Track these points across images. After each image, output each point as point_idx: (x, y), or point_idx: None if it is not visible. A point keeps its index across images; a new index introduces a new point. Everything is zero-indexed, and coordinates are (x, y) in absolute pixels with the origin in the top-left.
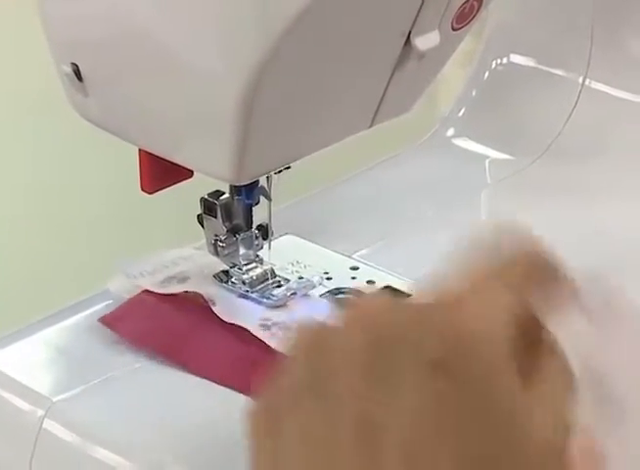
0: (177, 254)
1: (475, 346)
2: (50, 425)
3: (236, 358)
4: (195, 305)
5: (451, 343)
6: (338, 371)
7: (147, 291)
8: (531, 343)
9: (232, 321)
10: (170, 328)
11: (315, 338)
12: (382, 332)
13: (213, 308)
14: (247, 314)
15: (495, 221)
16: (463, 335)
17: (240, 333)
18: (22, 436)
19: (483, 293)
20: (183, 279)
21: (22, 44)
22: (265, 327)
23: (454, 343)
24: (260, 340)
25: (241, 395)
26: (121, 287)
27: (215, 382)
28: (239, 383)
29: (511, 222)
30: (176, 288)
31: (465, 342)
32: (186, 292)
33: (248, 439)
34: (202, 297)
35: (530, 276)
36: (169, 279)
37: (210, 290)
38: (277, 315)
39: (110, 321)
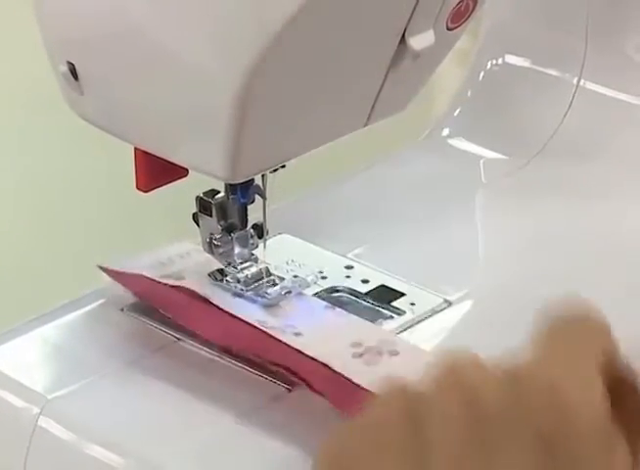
0: (175, 250)
1: (578, 425)
2: (45, 422)
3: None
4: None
5: (555, 421)
6: (436, 442)
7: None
8: (629, 424)
9: (231, 312)
10: (169, 294)
11: (409, 401)
12: (482, 405)
13: (211, 300)
14: (242, 314)
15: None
16: (566, 414)
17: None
18: (17, 433)
19: (577, 373)
20: (179, 278)
21: (18, 43)
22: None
23: (558, 421)
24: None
25: (237, 397)
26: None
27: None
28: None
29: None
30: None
31: (568, 421)
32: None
33: None
34: (196, 293)
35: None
36: (166, 277)
37: (206, 289)
38: (272, 319)
39: (110, 271)
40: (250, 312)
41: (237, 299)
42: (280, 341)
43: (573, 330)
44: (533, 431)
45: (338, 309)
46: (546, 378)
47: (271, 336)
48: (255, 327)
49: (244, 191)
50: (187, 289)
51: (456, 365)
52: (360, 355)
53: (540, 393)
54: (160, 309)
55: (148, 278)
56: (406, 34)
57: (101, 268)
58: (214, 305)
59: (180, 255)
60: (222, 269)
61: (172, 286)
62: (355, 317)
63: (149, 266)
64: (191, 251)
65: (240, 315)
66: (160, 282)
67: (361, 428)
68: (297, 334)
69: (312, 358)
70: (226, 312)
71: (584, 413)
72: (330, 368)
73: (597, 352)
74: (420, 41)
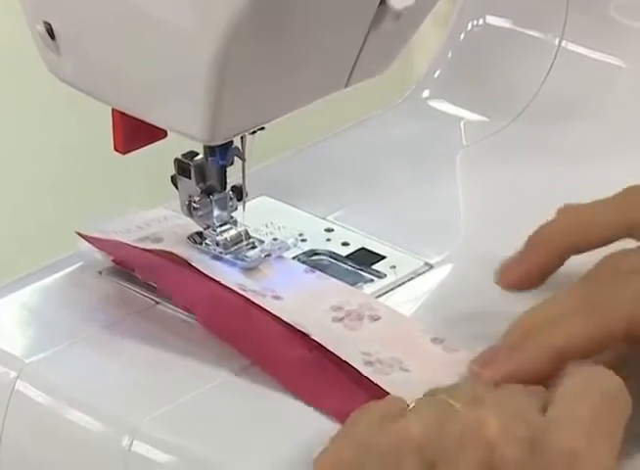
0: (152, 215)
1: None
2: (23, 386)
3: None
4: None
5: None
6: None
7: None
8: None
9: (211, 275)
10: (147, 258)
11: (425, 447)
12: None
13: (192, 263)
14: (222, 278)
15: None
16: None
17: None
18: None
19: (599, 446)
20: (157, 240)
21: None
22: (242, 289)
23: None
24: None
25: (215, 362)
26: (92, 246)
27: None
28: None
29: None
30: (150, 247)
31: None
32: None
33: None
34: (176, 256)
35: None
36: (143, 239)
37: (184, 251)
38: (251, 282)
39: (88, 237)
40: (229, 275)
41: (216, 262)
42: (262, 310)
43: (595, 389)
44: None
45: (318, 272)
46: (568, 446)
47: (253, 303)
48: (237, 293)
49: (222, 153)
50: (166, 252)
51: (479, 419)
52: (340, 320)
53: (560, 462)
54: (139, 275)
55: (125, 243)
56: None
57: (79, 234)
58: (194, 268)
59: (157, 219)
60: (201, 232)
61: (151, 250)
62: (335, 281)
63: (125, 230)
64: (168, 215)
65: (220, 279)
66: (137, 247)
67: (368, 453)
68: (277, 297)
69: (289, 325)
70: (206, 276)
71: None
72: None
73: (620, 421)
74: (401, 1)
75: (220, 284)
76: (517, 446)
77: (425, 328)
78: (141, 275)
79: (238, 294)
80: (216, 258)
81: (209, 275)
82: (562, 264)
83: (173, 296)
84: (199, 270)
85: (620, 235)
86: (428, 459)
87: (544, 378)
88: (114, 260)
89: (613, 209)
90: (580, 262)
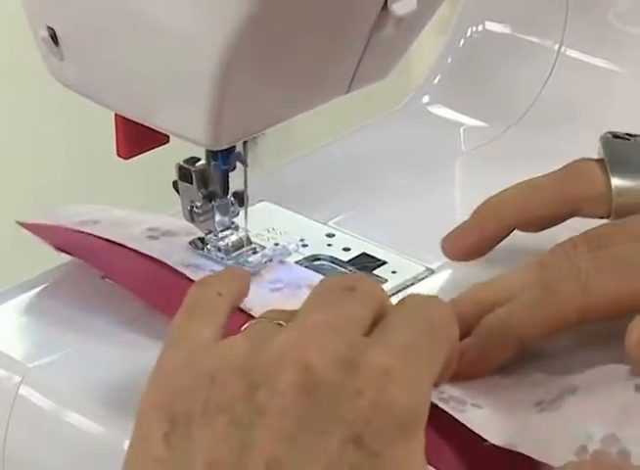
0: (91, 207)
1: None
2: (26, 391)
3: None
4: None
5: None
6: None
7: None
8: None
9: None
10: (87, 241)
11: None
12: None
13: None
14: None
15: None
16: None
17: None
18: None
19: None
20: (95, 222)
21: None
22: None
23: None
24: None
25: None
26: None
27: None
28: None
29: None
30: (88, 230)
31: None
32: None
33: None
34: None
35: None
36: (82, 224)
37: (119, 233)
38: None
39: (29, 225)
40: (169, 254)
41: (218, 267)
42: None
43: (421, 317)
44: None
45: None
46: (381, 364)
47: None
48: (175, 270)
49: (225, 158)
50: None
51: (298, 340)
52: None
53: (372, 379)
54: (80, 258)
55: (66, 227)
56: (389, 0)
57: (20, 224)
58: (132, 250)
59: (98, 210)
60: (203, 238)
61: (89, 233)
62: None
63: (64, 217)
64: (107, 208)
65: (157, 257)
66: (75, 230)
67: (197, 375)
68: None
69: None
70: (145, 255)
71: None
72: None
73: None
74: (402, 6)
75: (158, 262)
76: (333, 367)
77: None
78: (79, 256)
79: (176, 270)
80: (218, 263)
81: (148, 254)
82: (507, 236)
83: (113, 276)
84: (137, 251)
85: (565, 209)
86: (251, 381)
87: (498, 366)
88: (55, 247)
89: (557, 182)
90: (524, 235)
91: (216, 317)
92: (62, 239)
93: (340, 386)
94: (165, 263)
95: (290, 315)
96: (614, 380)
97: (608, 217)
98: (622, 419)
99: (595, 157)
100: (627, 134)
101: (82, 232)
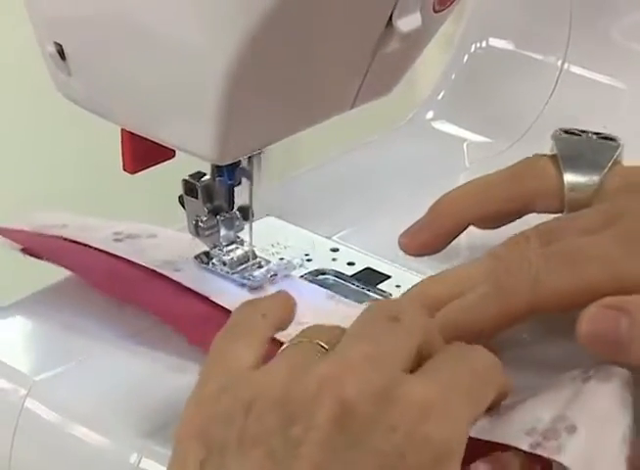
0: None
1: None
2: (32, 404)
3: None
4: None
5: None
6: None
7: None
8: None
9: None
10: (50, 242)
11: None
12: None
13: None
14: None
15: None
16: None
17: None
18: (3, 415)
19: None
20: (62, 227)
21: (5, 24)
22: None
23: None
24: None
25: None
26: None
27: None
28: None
29: None
30: (55, 233)
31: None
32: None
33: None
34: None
35: None
36: (46, 227)
37: (85, 235)
38: None
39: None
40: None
41: (222, 281)
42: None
43: (466, 361)
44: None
45: (327, 292)
46: (421, 396)
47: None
48: (139, 264)
49: (230, 173)
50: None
51: (336, 374)
52: None
53: (411, 411)
54: (45, 258)
55: (31, 231)
56: (393, 16)
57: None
58: (96, 249)
59: (67, 217)
60: (208, 252)
61: (55, 236)
62: (349, 302)
63: (32, 222)
64: (76, 216)
65: (123, 256)
66: (42, 234)
67: (232, 404)
68: (178, 270)
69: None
70: (106, 253)
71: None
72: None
73: (486, 391)
74: (407, 23)
75: (124, 259)
76: (370, 401)
77: None
78: (46, 257)
79: (139, 265)
80: (223, 277)
81: (114, 253)
82: (463, 231)
83: (77, 272)
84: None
85: (519, 205)
86: (287, 414)
87: None
88: (22, 249)
89: (511, 178)
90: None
91: (257, 338)
92: (30, 242)
93: (376, 419)
94: (127, 259)
95: (331, 334)
96: (564, 376)
97: (561, 212)
98: (570, 402)
99: (548, 153)
100: (579, 130)
101: (51, 235)
